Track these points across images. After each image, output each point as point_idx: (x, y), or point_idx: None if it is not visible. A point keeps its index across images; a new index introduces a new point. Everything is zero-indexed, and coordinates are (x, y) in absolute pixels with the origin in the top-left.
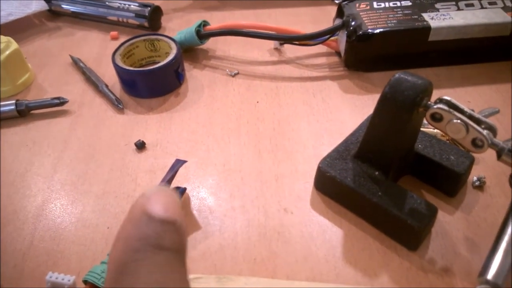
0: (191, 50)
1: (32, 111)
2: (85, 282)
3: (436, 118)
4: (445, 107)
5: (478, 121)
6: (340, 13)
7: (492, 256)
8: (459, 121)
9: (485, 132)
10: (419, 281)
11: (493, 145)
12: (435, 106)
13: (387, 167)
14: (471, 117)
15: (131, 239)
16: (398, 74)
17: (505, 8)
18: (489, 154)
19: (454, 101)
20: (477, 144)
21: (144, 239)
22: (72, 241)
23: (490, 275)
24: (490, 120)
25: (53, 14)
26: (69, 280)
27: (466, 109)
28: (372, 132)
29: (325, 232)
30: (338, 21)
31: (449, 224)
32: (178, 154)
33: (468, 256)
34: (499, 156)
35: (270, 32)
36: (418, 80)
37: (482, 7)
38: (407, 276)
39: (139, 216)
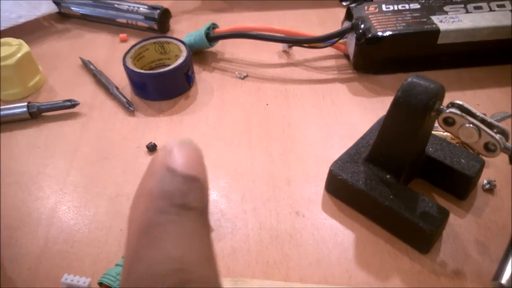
0: (200, 52)
1: (44, 113)
2: (100, 284)
3: (449, 122)
4: (458, 112)
5: (490, 126)
6: (349, 15)
7: (506, 260)
8: (471, 125)
9: (497, 136)
10: (431, 284)
11: (505, 149)
12: (447, 111)
13: (398, 170)
14: (483, 121)
15: (154, 197)
16: (410, 78)
17: None
18: (500, 158)
19: (466, 105)
20: (489, 148)
21: (168, 198)
22: (86, 243)
23: (504, 279)
24: (502, 125)
25: (63, 16)
26: (84, 282)
27: (478, 113)
28: (384, 135)
29: (337, 235)
30: (347, 24)
31: (460, 227)
32: None
33: (479, 259)
34: (511, 160)
35: (279, 34)
36: (431, 84)
37: (490, 10)
38: (418, 279)
39: (162, 171)
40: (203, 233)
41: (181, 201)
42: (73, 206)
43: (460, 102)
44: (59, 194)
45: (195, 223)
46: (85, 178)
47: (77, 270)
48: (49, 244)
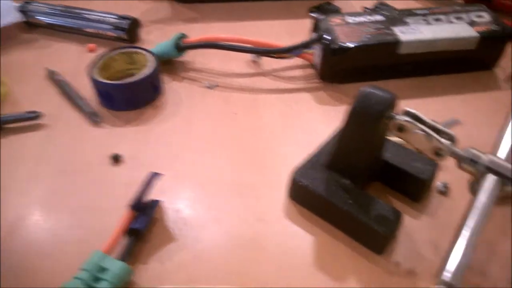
0: (170, 62)
1: (6, 125)
2: None
3: (401, 129)
4: (409, 119)
5: (439, 132)
6: (316, 27)
7: (449, 257)
8: (421, 132)
9: (445, 141)
10: (385, 283)
11: (453, 154)
12: (399, 118)
13: (356, 176)
14: (432, 127)
15: None
16: (365, 89)
17: (471, 23)
18: (453, 161)
19: (417, 113)
20: (438, 153)
21: None
22: (46, 257)
23: (446, 276)
24: (450, 131)
25: (29, 25)
26: None
27: (428, 120)
28: (342, 143)
29: (298, 240)
30: (314, 35)
31: (415, 228)
32: (155, 167)
33: (432, 258)
34: (458, 164)
35: (248, 45)
36: (384, 94)
37: (449, 22)
38: (374, 279)
39: None
40: None
41: None
42: (34, 219)
43: (412, 110)
44: (21, 208)
45: None
46: (48, 190)
47: (35, 284)
48: (10, 258)
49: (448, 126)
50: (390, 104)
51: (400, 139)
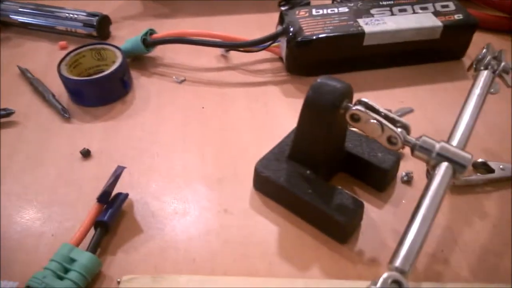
0: (139, 58)
1: None
2: (28, 287)
3: (355, 119)
4: (362, 109)
5: (393, 121)
6: (281, 20)
7: (401, 244)
8: (375, 121)
9: (398, 130)
10: (348, 272)
11: (406, 142)
12: (353, 108)
13: (317, 166)
14: (386, 117)
15: None
16: (319, 79)
17: (436, 13)
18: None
19: (371, 102)
20: (392, 141)
21: None
22: (16, 249)
23: (397, 262)
24: (404, 119)
25: (2, 24)
26: (12, 285)
27: (381, 109)
28: (300, 134)
29: (262, 230)
30: (279, 28)
31: (378, 217)
32: (123, 162)
33: (394, 246)
34: (412, 152)
35: (216, 39)
36: (338, 84)
37: (414, 12)
38: (337, 267)
39: None
40: None
41: None
42: (5, 214)
43: (366, 100)
44: None
45: None
46: (18, 186)
47: (7, 276)
48: None
49: (402, 115)
50: (343, 94)
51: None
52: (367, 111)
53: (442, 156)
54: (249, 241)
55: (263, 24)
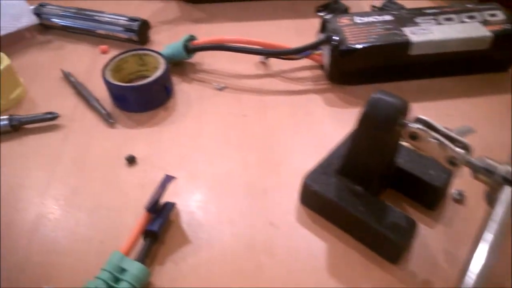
0: (179, 64)
1: (25, 126)
2: None
3: (413, 137)
4: (422, 127)
5: (453, 140)
6: (323, 27)
7: (466, 274)
8: (434, 140)
9: (460, 151)
10: None
11: (468, 164)
12: (412, 126)
13: (368, 182)
14: (446, 136)
15: None
16: (376, 94)
17: (484, 22)
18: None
19: (430, 120)
20: (452, 162)
21: None
22: (66, 255)
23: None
24: (464, 139)
25: (44, 27)
26: None
27: (441, 128)
28: (354, 149)
29: (310, 246)
30: (321, 36)
31: (430, 237)
32: (168, 168)
33: (447, 268)
34: (474, 175)
35: (256, 46)
36: (395, 100)
37: (461, 21)
38: None
39: None
40: None
41: None
42: (53, 218)
43: (425, 118)
44: (40, 207)
45: None
46: (65, 190)
47: (56, 282)
48: (30, 255)
49: (462, 134)
50: (401, 111)
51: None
52: (427, 130)
53: (507, 180)
54: (296, 256)
55: (300, 30)
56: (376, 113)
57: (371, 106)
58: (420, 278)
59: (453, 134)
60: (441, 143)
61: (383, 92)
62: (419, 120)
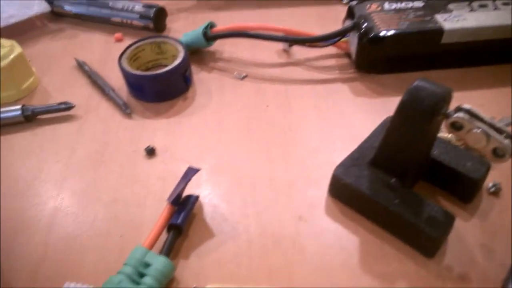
0: (198, 52)
1: (38, 116)
2: None
3: (456, 127)
4: (466, 116)
5: (499, 131)
6: (350, 14)
7: None
8: (480, 130)
9: (506, 141)
10: None
11: None
12: (455, 115)
13: (404, 174)
14: (492, 126)
15: None
16: (417, 82)
17: None
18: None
19: (474, 109)
20: (498, 154)
21: None
22: (85, 250)
23: None
24: (510, 129)
25: (56, 15)
26: None
27: (486, 118)
28: (390, 139)
29: (340, 240)
30: (349, 23)
31: (465, 230)
32: (189, 161)
33: (484, 263)
34: None
35: (279, 34)
36: (437, 88)
37: (496, 8)
38: (424, 283)
39: None
40: None
41: None
42: (71, 212)
43: (468, 107)
44: (56, 200)
45: None
46: (82, 183)
47: (77, 278)
48: (48, 251)
49: (507, 125)
50: (444, 99)
51: (446, 135)
52: (472, 119)
53: None
54: (327, 251)
55: (322, 17)
56: (417, 102)
57: (412, 94)
58: (456, 273)
59: (499, 124)
60: (487, 133)
61: (425, 80)
62: (461, 109)
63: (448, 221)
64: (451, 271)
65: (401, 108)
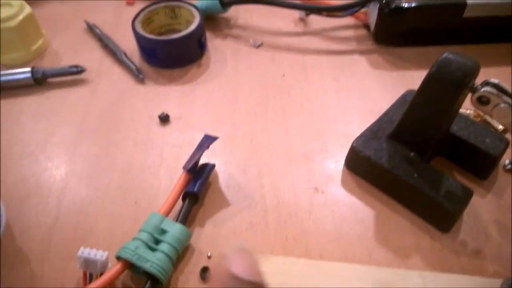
0: (212, 18)
1: (49, 79)
2: (118, 258)
3: (483, 101)
4: (494, 91)
5: None
6: None
7: None
8: (507, 105)
9: None
10: (451, 263)
11: None
12: (483, 89)
13: (424, 148)
14: None
15: None
16: (446, 54)
17: None
18: None
19: (502, 84)
20: None
21: None
22: (99, 216)
23: None
24: None
25: None
26: (102, 256)
27: None
28: (413, 112)
29: (356, 212)
30: None
31: (481, 207)
32: (203, 129)
33: (499, 239)
34: None
35: (296, 1)
36: (467, 61)
37: None
38: (438, 257)
39: (227, 278)
40: None
41: None
42: (84, 177)
43: (496, 81)
44: (69, 164)
45: None
46: (95, 147)
47: (91, 243)
48: (61, 215)
49: None
50: (472, 72)
51: (464, 111)
52: (500, 93)
53: None
54: (343, 223)
55: None
56: (446, 75)
57: (441, 66)
58: (471, 248)
59: None
60: None
61: (454, 53)
62: (489, 83)
63: (466, 196)
64: (466, 246)
65: (429, 81)
